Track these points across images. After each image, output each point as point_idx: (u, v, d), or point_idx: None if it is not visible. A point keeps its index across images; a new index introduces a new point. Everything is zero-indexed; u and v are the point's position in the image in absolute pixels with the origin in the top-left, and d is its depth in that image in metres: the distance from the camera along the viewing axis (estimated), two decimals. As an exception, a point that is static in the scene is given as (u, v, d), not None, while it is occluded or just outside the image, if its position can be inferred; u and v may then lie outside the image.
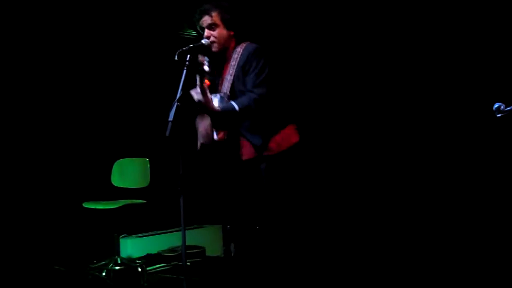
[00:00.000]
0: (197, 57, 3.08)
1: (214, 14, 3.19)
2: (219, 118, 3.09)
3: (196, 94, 3.00)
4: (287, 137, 3.21)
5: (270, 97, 3.13)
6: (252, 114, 3.09)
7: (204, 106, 3.00)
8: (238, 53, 3.22)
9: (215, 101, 3.09)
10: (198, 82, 3.01)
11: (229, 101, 3.07)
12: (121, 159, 4.89)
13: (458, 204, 4.92)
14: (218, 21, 3.19)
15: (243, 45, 3.25)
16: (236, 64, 3.18)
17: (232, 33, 3.24)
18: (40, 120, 4.80)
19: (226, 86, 3.16)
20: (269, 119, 3.20)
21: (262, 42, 3.34)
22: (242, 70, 3.16)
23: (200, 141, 3.23)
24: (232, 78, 3.17)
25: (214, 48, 3.23)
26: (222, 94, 3.14)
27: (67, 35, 4.97)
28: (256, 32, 3.41)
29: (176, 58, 3.05)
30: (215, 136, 3.19)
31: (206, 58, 3.12)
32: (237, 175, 3.26)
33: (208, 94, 3.01)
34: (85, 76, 5.09)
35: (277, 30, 5.62)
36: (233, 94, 3.14)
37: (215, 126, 3.17)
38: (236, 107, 3.03)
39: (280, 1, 5.70)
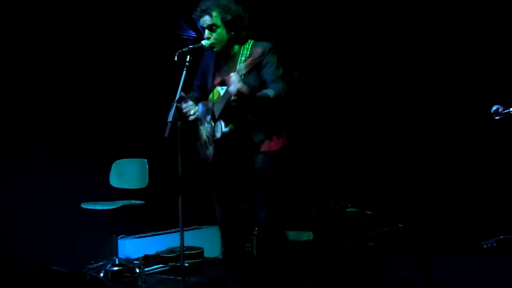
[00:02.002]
0: (197, 58, 3.09)
1: (214, 14, 3.14)
2: (256, 104, 3.03)
3: (235, 83, 2.88)
4: (279, 140, 3.22)
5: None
6: (282, 102, 3.05)
7: (245, 94, 2.90)
8: (247, 49, 3.19)
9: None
10: (237, 72, 2.92)
11: (262, 89, 3.03)
12: (119, 160, 4.88)
13: (457, 207, 4.93)
14: (218, 22, 3.16)
15: (250, 42, 3.23)
16: (246, 59, 3.06)
17: (232, 33, 3.21)
18: (39, 120, 4.79)
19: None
20: (273, 120, 3.20)
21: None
22: (258, 65, 3.06)
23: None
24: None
25: (215, 49, 3.22)
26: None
27: (66, 35, 4.96)
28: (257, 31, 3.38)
29: (176, 59, 3.04)
30: (218, 135, 3.17)
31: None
32: (235, 166, 3.26)
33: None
34: (84, 76, 5.08)
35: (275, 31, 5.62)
36: None
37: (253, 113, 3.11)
38: (270, 94, 3.01)
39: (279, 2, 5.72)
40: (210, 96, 3.26)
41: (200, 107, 3.30)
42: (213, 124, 3.17)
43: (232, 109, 3.02)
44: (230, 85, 2.91)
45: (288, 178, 3.33)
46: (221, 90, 3.13)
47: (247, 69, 2.91)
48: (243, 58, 3.13)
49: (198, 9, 3.19)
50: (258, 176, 3.19)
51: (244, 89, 2.90)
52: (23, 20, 4.71)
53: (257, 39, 3.32)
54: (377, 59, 5.42)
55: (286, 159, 3.28)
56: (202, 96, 3.38)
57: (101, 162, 4.95)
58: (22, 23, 4.71)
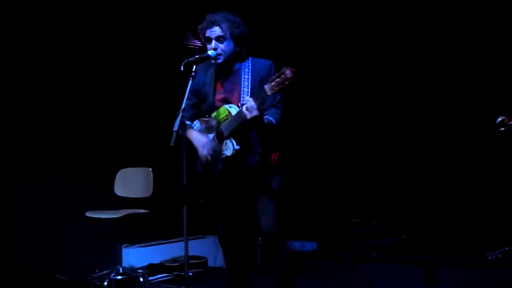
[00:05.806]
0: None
1: (224, 27, 3.17)
2: (264, 131, 3.16)
3: (252, 110, 2.96)
4: (276, 153, 3.29)
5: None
6: (278, 128, 3.19)
7: (259, 121, 3.02)
8: (248, 67, 3.23)
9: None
10: (257, 97, 2.98)
11: (265, 116, 3.13)
12: (124, 169, 4.89)
13: (461, 218, 4.92)
14: (227, 35, 3.19)
15: (250, 59, 3.27)
16: (250, 77, 3.17)
17: (237, 49, 3.23)
18: (42, 129, 4.81)
19: (245, 98, 3.13)
20: (273, 134, 3.25)
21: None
22: (260, 83, 3.15)
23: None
24: (249, 90, 3.17)
25: (219, 60, 3.22)
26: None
27: (72, 43, 4.99)
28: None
29: (182, 69, 3.06)
30: (228, 153, 3.20)
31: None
32: (241, 181, 3.28)
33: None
34: (89, 85, 5.10)
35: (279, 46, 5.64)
36: None
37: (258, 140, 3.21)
38: (274, 121, 3.16)
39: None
40: (214, 113, 3.26)
41: (197, 124, 3.34)
42: (217, 141, 3.20)
43: (243, 130, 3.09)
44: (247, 109, 2.96)
45: (285, 187, 3.37)
46: (229, 108, 3.15)
47: (272, 92, 2.90)
48: (246, 76, 3.20)
49: (206, 20, 3.21)
50: (259, 187, 3.23)
51: (259, 118, 3.00)
52: (29, 35, 4.75)
53: (262, 50, 3.34)
54: (385, 69, 5.43)
55: (283, 169, 3.33)
56: (196, 113, 3.40)
57: (105, 171, 4.96)
58: (28, 38, 4.75)
